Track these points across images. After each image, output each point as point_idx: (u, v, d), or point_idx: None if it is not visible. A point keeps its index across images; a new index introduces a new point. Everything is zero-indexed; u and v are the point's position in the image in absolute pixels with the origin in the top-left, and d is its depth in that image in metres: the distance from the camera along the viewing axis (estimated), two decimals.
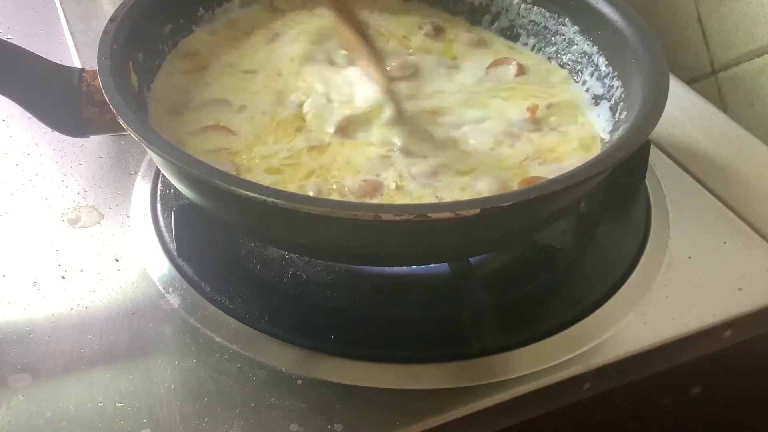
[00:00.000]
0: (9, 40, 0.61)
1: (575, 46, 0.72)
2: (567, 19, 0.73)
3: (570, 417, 0.59)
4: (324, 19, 0.73)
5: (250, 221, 0.57)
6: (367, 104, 0.65)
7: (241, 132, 0.64)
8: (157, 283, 0.62)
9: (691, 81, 0.90)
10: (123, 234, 0.66)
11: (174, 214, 0.61)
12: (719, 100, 0.90)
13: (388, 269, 0.63)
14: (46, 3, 0.91)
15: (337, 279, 0.62)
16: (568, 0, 0.72)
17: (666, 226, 0.67)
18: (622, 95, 0.66)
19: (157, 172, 0.70)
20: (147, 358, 0.56)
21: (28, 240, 0.65)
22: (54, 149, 0.73)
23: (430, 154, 0.62)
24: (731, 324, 0.61)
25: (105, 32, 0.62)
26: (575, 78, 0.71)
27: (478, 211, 0.49)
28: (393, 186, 0.59)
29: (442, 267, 0.61)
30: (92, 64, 0.59)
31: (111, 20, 0.63)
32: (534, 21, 0.75)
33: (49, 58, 0.62)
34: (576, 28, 0.72)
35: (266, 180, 0.59)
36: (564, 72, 0.72)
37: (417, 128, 0.64)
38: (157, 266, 0.63)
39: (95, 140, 0.73)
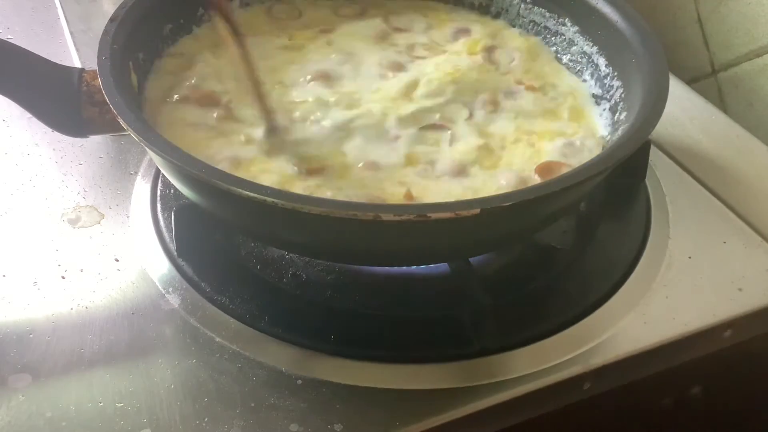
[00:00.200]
0: (9, 40, 0.61)
1: (575, 47, 0.72)
2: (567, 19, 0.73)
3: (570, 417, 0.59)
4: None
5: (250, 221, 0.57)
6: None
7: None
8: (157, 283, 0.62)
9: (691, 81, 0.90)
10: (123, 234, 0.66)
11: (174, 214, 0.61)
12: (719, 100, 0.90)
13: (388, 269, 0.63)
14: (46, 3, 0.91)
15: (337, 279, 0.62)
16: (568, 0, 0.72)
17: (666, 226, 0.67)
18: (622, 95, 0.66)
19: (157, 172, 0.70)
20: (147, 358, 0.56)
21: (28, 240, 0.65)
22: (54, 149, 0.73)
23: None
24: (731, 324, 0.61)
25: (105, 32, 0.62)
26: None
27: (478, 211, 0.49)
28: None
29: (442, 267, 0.61)
30: (92, 64, 0.59)
31: (111, 20, 0.63)
32: (534, 21, 0.75)
33: (49, 58, 0.62)
34: (576, 28, 0.72)
35: None
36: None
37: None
38: (157, 266, 0.63)
39: (95, 140, 0.73)
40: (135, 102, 0.60)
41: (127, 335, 0.58)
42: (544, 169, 0.61)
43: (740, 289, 0.62)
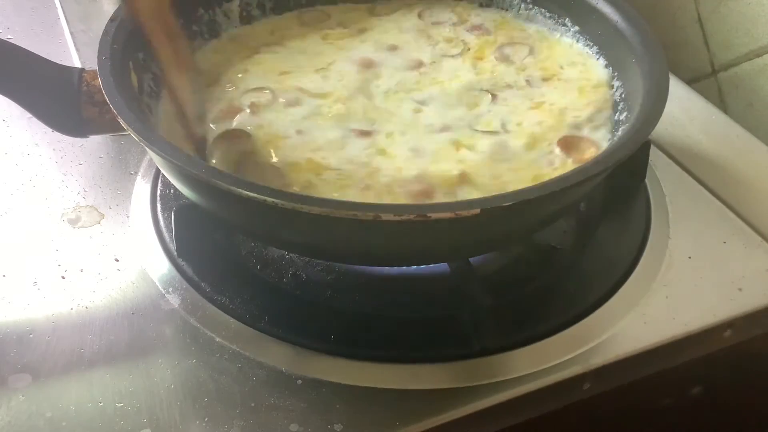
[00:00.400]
0: (9, 40, 0.61)
1: (575, 46, 0.72)
2: (567, 19, 0.73)
3: (570, 417, 0.59)
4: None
5: (250, 221, 0.57)
6: None
7: None
8: (157, 283, 0.62)
9: (691, 81, 0.90)
10: (123, 234, 0.66)
11: (174, 214, 0.61)
12: (719, 100, 0.90)
13: (388, 269, 0.63)
14: (46, 3, 0.91)
15: (337, 279, 0.62)
16: (568, 0, 0.72)
17: (666, 226, 0.67)
18: (622, 95, 0.66)
19: (157, 172, 0.70)
20: (147, 358, 0.56)
21: (28, 240, 0.65)
22: (54, 149, 0.73)
23: None
24: (731, 324, 0.61)
25: (105, 32, 0.62)
26: None
27: (478, 211, 0.49)
28: None
29: (442, 267, 0.61)
30: (92, 64, 0.59)
31: (111, 20, 0.63)
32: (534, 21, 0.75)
33: (49, 58, 0.62)
34: (576, 28, 0.72)
35: None
36: None
37: None
38: (157, 266, 0.63)
39: (95, 140, 0.73)
40: (135, 102, 0.60)
41: (127, 335, 0.58)
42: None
43: (740, 289, 0.62)
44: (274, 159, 0.60)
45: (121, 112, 0.55)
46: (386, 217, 0.49)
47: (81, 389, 0.55)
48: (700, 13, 0.90)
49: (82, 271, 0.63)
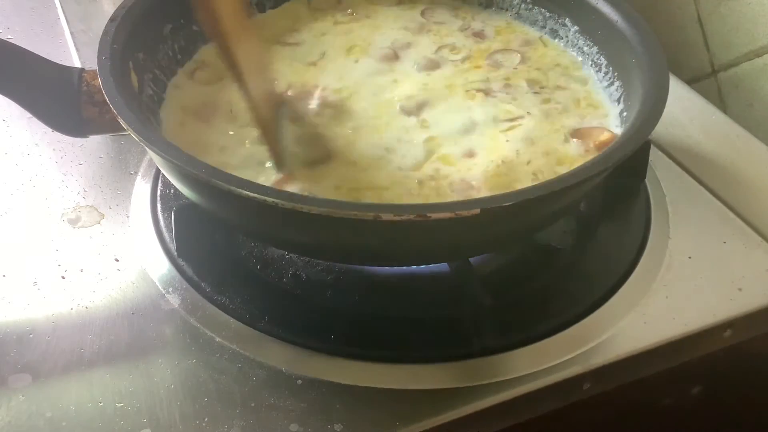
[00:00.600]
0: (9, 40, 0.61)
1: (575, 47, 0.72)
2: (567, 19, 0.73)
3: (570, 417, 0.59)
4: None
5: (250, 221, 0.57)
6: None
7: None
8: (157, 283, 0.62)
9: (691, 81, 0.90)
10: (123, 234, 0.66)
11: (174, 214, 0.61)
12: (719, 100, 0.90)
13: (388, 269, 0.63)
14: (46, 3, 0.91)
15: (337, 279, 0.62)
16: (568, 0, 0.72)
17: (666, 226, 0.67)
18: (622, 95, 0.66)
19: (157, 172, 0.70)
20: (147, 358, 0.56)
21: (28, 240, 0.65)
22: (54, 149, 0.73)
23: None
24: (731, 324, 0.61)
25: (105, 32, 0.62)
26: None
27: (478, 211, 0.49)
28: None
29: (442, 267, 0.61)
30: (92, 64, 0.59)
31: (111, 20, 0.63)
32: (535, 21, 0.75)
33: (49, 58, 0.62)
34: (576, 28, 0.72)
35: None
36: None
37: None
38: (157, 266, 0.63)
39: (95, 140, 0.73)
40: (135, 102, 0.60)
41: (127, 335, 0.58)
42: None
43: (740, 289, 0.62)
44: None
45: (121, 112, 0.55)
46: (386, 217, 0.49)
47: (81, 389, 0.55)
48: (700, 13, 0.90)
49: (82, 271, 0.63)
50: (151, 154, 0.59)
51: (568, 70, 0.71)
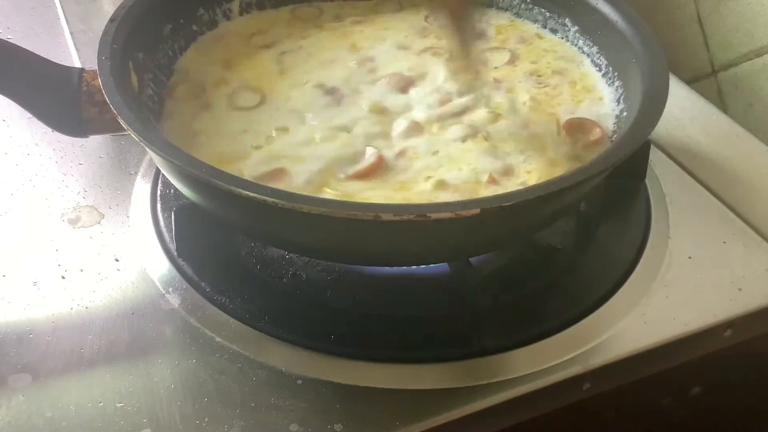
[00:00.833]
0: (9, 40, 0.61)
1: (575, 46, 0.72)
2: (567, 19, 0.73)
3: (570, 417, 0.59)
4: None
5: (250, 221, 0.57)
6: None
7: None
8: (157, 283, 0.62)
9: (691, 81, 0.90)
10: (123, 234, 0.66)
11: (174, 214, 0.61)
12: (719, 100, 0.90)
13: (388, 269, 0.63)
14: (46, 3, 0.91)
15: (337, 279, 0.62)
16: (568, 0, 0.72)
17: (666, 226, 0.67)
18: (622, 95, 0.66)
19: (157, 172, 0.70)
20: (147, 358, 0.56)
21: (28, 240, 0.65)
22: (54, 149, 0.73)
23: None
24: (731, 324, 0.61)
25: (105, 32, 0.62)
26: None
27: (478, 211, 0.49)
28: None
29: (442, 267, 0.61)
30: (92, 64, 0.59)
31: (111, 20, 0.63)
32: (534, 21, 0.75)
33: (49, 58, 0.62)
34: (576, 28, 0.72)
35: None
36: None
37: None
38: (157, 266, 0.63)
39: (95, 140, 0.73)
40: (135, 102, 0.60)
41: (127, 335, 0.58)
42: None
43: (740, 289, 0.62)
44: None
45: (121, 112, 0.55)
46: (386, 217, 0.49)
47: (81, 389, 0.55)
48: (699, 13, 0.90)
49: (82, 271, 0.63)
50: (151, 154, 0.59)
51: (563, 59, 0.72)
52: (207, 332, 0.58)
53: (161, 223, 0.66)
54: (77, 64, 0.80)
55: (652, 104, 0.58)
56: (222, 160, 0.60)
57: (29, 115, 0.62)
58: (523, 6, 0.75)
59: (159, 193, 0.69)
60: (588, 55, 0.71)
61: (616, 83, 0.67)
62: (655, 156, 0.74)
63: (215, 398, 0.54)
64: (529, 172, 0.60)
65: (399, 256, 0.58)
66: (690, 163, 0.74)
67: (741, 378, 0.67)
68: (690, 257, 0.65)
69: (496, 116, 0.65)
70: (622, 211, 0.68)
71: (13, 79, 0.60)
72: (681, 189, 0.71)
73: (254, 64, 0.71)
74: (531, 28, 0.75)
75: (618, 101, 0.66)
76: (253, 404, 0.53)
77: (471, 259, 0.59)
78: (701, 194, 0.71)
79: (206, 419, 0.53)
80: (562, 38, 0.73)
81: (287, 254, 0.63)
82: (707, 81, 0.91)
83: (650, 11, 0.93)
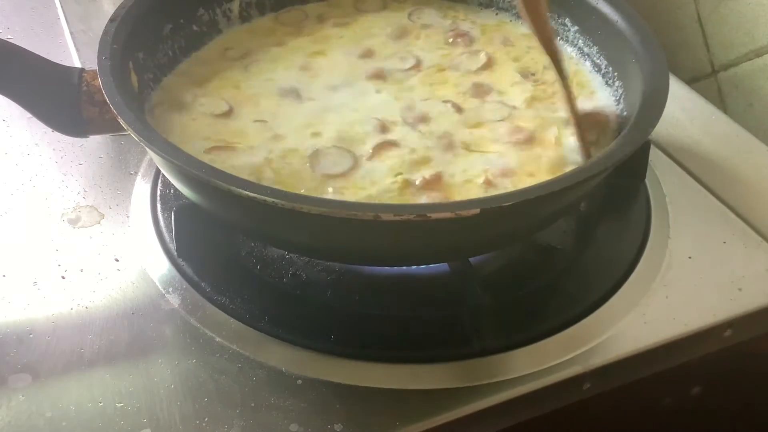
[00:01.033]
0: (9, 40, 0.61)
1: (575, 46, 0.72)
2: (567, 19, 0.73)
3: (570, 417, 0.59)
4: None
5: (250, 221, 0.57)
6: None
7: None
8: (157, 283, 0.62)
9: (691, 81, 0.90)
10: (123, 234, 0.66)
11: (174, 214, 0.61)
12: (719, 100, 0.90)
13: (388, 269, 0.63)
14: (46, 3, 0.91)
15: (337, 279, 0.62)
16: (568, 0, 0.72)
17: (666, 226, 0.67)
18: (622, 95, 0.66)
19: (157, 172, 0.70)
20: (147, 358, 0.56)
21: (28, 240, 0.65)
22: (54, 149, 0.73)
23: None
24: (731, 324, 0.61)
25: (105, 32, 0.62)
26: None
27: (477, 211, 0.49)
28: None
29: (442, 267, 0.61)
30: (92, 64, 0.59)
31: (111, 20, 0.63)
32: None
33: (49, 58, 0.62)
34: (576, 28, 0.72)
35: None
36: None
37: None
38: (157, 266, 0.63)
39: (95, 140, 0.73)
40: (135, 102, 0.60)
41: (127, 335, 0.58)
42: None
43: (740, 289, 0.62)
44: None
45: (121, 112, 0.55)
46: (386, 217, 0.49)
47: (81, 389, 0.55)
48: (699, 13, 0.90)
49: (82, 271, 0.63)
50: (151, 154, 0.59)
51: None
52: (207, 332, 0.58)
53: (161, 223, 0.66)
54: (77, 64, 0.80)
55: (652, 104, 0.58)
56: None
57: (29, 115, 0.62)
58: None
59: (159, 193, 0.69)
60: (588, 55, 0.71)
61: (616, 83, 0.67)
62: (655, 156, 0.74)
63: (215, 398, 0.54)
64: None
65: (399, 256, 0.58)
66: (690, 163, 0.74)
67: (741, 378, 0.67)
68: (690, 257, 0.65)
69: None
70: (622, 211, 0.68)
71: (13, 79, 0.60)
72: (681, 189, 0.71)
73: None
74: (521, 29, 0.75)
75: (618, 101, 0.66)
76: (253, 404, 0.53)
77: (471, 259, 0.60)
78: (701, 194, 0.71)
79: (206, 419, 0.53)
80: (562, 39, 0.73)
81: (287, 254, 0.63)
82: (707, 81, 0.91)
83: (650, 11, 0.93)
